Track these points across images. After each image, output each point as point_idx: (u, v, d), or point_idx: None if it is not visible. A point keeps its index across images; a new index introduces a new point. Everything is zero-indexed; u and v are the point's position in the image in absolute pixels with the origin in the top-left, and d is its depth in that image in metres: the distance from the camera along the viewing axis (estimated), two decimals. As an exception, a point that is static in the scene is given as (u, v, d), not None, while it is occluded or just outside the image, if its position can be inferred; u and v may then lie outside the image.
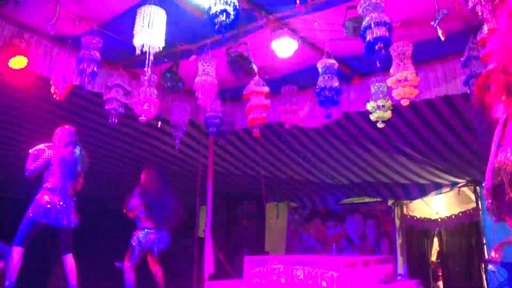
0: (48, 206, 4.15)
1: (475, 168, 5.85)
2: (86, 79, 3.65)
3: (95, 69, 3.68)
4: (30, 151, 4.35)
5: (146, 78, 3.36)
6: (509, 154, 1.70)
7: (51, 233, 4.31)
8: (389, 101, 3.86)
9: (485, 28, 3.11)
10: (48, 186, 4.24)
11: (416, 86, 3.64)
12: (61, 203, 4.22)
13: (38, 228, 4.20)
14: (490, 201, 1.80)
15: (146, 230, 5.00)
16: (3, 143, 6.24)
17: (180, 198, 5.45)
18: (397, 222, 7.39)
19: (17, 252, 4.03)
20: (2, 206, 7.72)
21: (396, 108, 4.00)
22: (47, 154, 4.35)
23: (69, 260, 4.30)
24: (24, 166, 4.29)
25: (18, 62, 3.76)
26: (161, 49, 3.22)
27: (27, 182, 4.49)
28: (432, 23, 3.06)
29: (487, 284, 6.06)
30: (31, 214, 4.12)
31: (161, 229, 5.05)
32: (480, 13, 2.50)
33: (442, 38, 3.08)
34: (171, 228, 5.18)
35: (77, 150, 4.38)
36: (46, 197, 4.18)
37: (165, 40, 3.26)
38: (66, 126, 4.50)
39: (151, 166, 5.57)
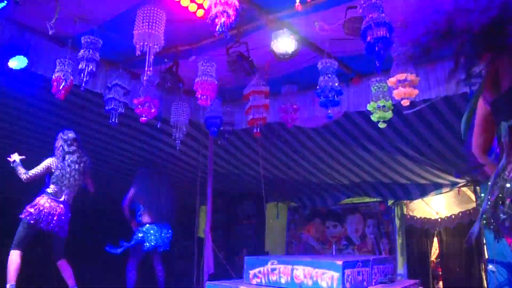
0: (45, 211, 4.15)
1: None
2: (84, 79, 3.65)
3: (94, 69, 3.68)
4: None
5: (145, 78, 3.36)
6: None
7: (45, 237, 4.31)
8: (390, 101, 3.85)
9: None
10: (49, 191, 4.25)
11: (416, 86, 3.63)
12: (58, 210, 4.22)
13: (34, 231, 4.19)
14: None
15: (148, 225, 5.01)
16: (3, 143, 6.24)
17: (174, 195, 5.47)
18: (397, 222, 7.38)
19: (16, 255, 4.03)
20: (3, 206, 7.72)
21: (396, 108, 4.00)
22: (49, 162, 4.37)
23: (64, 265, 4.30)
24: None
25: (18, 62, 3.77)
26: (159, 49, 3.22)
27: (29, 183, 4.49)
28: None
29: (487, 284, 6.05)
30: (27, 217, 4.11)
31: (162, 224, 5.08)
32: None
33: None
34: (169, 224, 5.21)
35: (78, 159, 4.39)
36: (45, 202, 4.18)
37: (165, 40, 3.26)
38: (67, 132, 4.49)
39: (143, 167, 5.61)
